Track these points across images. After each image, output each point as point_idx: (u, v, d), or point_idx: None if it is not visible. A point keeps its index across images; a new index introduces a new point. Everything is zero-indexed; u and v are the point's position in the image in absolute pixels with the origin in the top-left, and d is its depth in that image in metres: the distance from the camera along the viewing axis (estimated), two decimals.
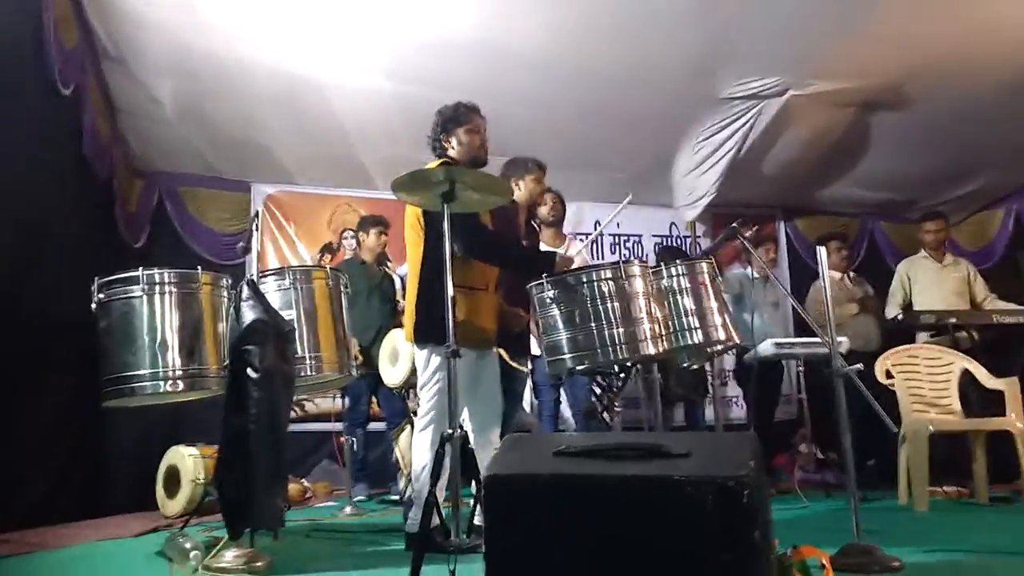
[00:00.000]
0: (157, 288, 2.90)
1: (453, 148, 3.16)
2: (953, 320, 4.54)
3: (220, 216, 5.97)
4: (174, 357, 2.87)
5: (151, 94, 4.85)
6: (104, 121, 4.77)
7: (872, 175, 6.33)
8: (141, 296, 2.88)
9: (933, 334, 4.68)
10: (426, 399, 3.00)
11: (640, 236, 6.80)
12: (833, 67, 4.74)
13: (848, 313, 5.31)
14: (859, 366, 2.79)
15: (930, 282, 5.12)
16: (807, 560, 2.00)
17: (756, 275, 5.44)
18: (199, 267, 3.05)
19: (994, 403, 4.07)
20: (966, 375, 4.24)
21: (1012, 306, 4.78)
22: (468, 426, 3.14)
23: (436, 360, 2.97)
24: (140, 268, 2.92)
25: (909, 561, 2.48)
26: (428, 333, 2.97)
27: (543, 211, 4.56)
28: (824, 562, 2.01)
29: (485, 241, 3.03)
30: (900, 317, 4.68)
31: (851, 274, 5.67)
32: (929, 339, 4.69)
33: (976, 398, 4.28)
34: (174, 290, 2.92)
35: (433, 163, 3.03)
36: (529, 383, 4.38)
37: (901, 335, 5.02)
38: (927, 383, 4.31)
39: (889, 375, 4.28)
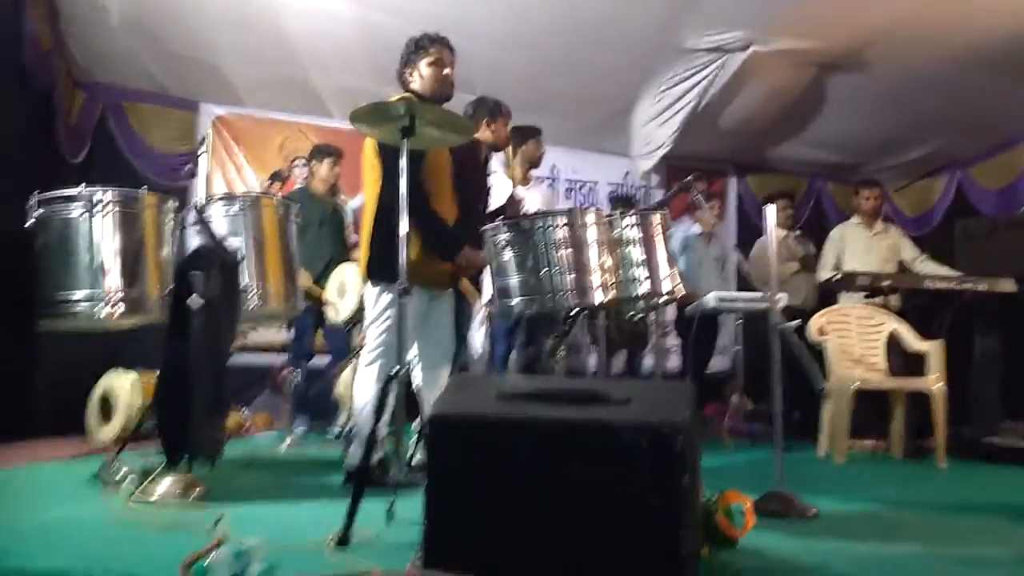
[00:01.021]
0: (99, 207, 2.81)
1: (415, 81, 3.09)
2: (886, 283, 4.71)
3: (165, 135, 5.75)
4: (113, 280, 2.80)
5: (95, 1, 4.58)
6: (45, 26, 4.50)
7: (824, 136, 6.42)
8: (82, 214, 2.78)
9: (866, 295, 4.86)
10: (373, 336, 3.01)
11: (595, 183, 6.81)
12: (797, 26, 4.76)
13: (789, 271, 5.47)
14: (796, 322, 2.90)
15: (861, 249, 5.30)
16: (731, 505, 2.10)
17: (701, 230, 5.55)
18: (143, 187, 2.95)
19: (918, 364, 4.28)
20: (893, 336, 4.44)
21: (944, 269, 4.97)
22: (417, 364, 3.17)
23: (386, 297, 2.96)
24: (81, 184, 2.81)
25: (825, 510, 2.63)
26: (380, 270, 2.95)
27: (533, 151, 4.54)
28: (746, 507, 2.12)
29: (441, 233, 3.03)
30: (837, 277, 4.83)
31: (796, 233, 5.82)
32: (863, 300, 4.86)
33: (901, 358, 4.49)
34: (116, 210, 2.84)
35: (395, 96, 2.97)
36: (485, 329, 4.43)
37: (833, 295, 5.21)
38: (857, 342, 4.50)
39: (822, 332, 4.45)
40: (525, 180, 4.50)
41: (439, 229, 3.02)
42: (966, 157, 6.50)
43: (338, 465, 3.18)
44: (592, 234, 2.83)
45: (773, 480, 2.66)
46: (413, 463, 3.08)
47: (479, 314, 4.21)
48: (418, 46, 3.09)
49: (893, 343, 4.46)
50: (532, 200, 4.52)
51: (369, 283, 3.06)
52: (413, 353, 3.15)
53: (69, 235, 2.79)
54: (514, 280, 2.79)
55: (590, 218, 2.87)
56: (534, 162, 4.55)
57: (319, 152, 5.10)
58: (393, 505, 2.21)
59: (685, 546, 1.60)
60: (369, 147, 3.02)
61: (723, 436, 4.74)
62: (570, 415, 1.76)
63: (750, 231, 6.74)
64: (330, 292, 4.47)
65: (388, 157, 2.83)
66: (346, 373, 4.57)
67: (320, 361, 5.09)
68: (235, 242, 2.99)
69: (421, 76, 3.08)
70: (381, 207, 2.98)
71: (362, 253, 3.10)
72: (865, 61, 5.14)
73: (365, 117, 2.48)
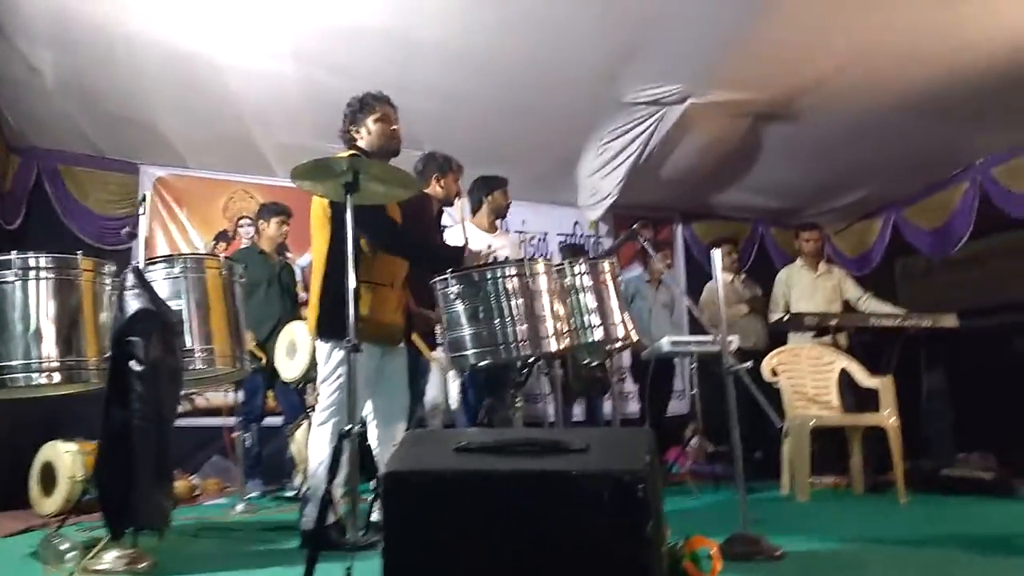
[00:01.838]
0: (32, 273, 2.71)
1: (362, 138, 3.11)
2: (834, 322, 4.82)
3: (104, 198, 5.63)
4: (49, 347, 2.69)
5: (29, 64, 4.50)
6: None
7: (763, 183, 6.61)
8: (14, 281, 2.68)
9: (815, 335, 4.96)
10: (326, 394, 2.94)
11: (545, 233, 6.87)
12: (731, 78, 4.92)
13: (738, 313, 5.56)
14: (748, 364, 2.92)
15: (806, 289, 5.45)
16: (697, 550, 2.07)
17: (648, 278, 5.64)
18: (79, 252, 2.86)
19: (870, 400, 4.35)
20: (844, 374, 4.52)
21: (888, 307, 5.11)
22: (371, 421, 3.09)
23: (338, 355, 2.91)
24: (13, 252, 2.71)
25: (792, 550, 2.62)
26: (330, 327, 2.90)
27: (501, 201, 4.54)
28: (712, 552, 2.09)
29: (393, 234, 3.00)
30: (786, 318, 4.93)
31: (742, 276, 5.94)
32: (812, 339, 4.95)
33: (853, 396, 4.57)
34: (51, 276, 2.73)
35: (341, 153, 2.96)
36: (458, 383, 4.39)
37: (784, 335, 5.30)
38: (809, 380, 4.57)
39: (774, 373, 4.50)
40: (492, 228, 4.51)
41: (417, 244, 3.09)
42: (900, 198, 6.75)
43: (294, 528, 3.06)
44: (543, 283, 2.83)
45: (738, 522, 2.64)
46: (371, 521, 2.98)
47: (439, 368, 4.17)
48: (363, 104, 3.12)
49: (844, 381, 4.54)
50: (502, 249, 4.53)
51: (319, 340, 3.00)
52: (368, 410, 3.09)
53: (2, 302, 2.67)
54: (467, 332, 2.77)
55: (540, 267, 2.87)
56: (500, 212, 4.55)
57: (267, 211, 5.05)
58: (351, 569, 2.12)
59: None
60: (318, 204, 3.01)
61: (686, 479, 4.72)
62: (529, 466, 1.72)
63: (698, 276, 6.86)
64: (279, 351, 4.37)
65: (338, 213, 2.80)
66: (300, 432, 4.46)
67: (273, 421, 4.95)
68: (176, 304, 2.90)
69: (369, 132, 3.09)
70: (331, 263, 2.94)
71: (311, 310, 3.05)
72: (798, 110, 5.34)
73: (307, 174, 2.46)
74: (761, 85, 5.04)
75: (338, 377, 2.89)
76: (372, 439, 3.11)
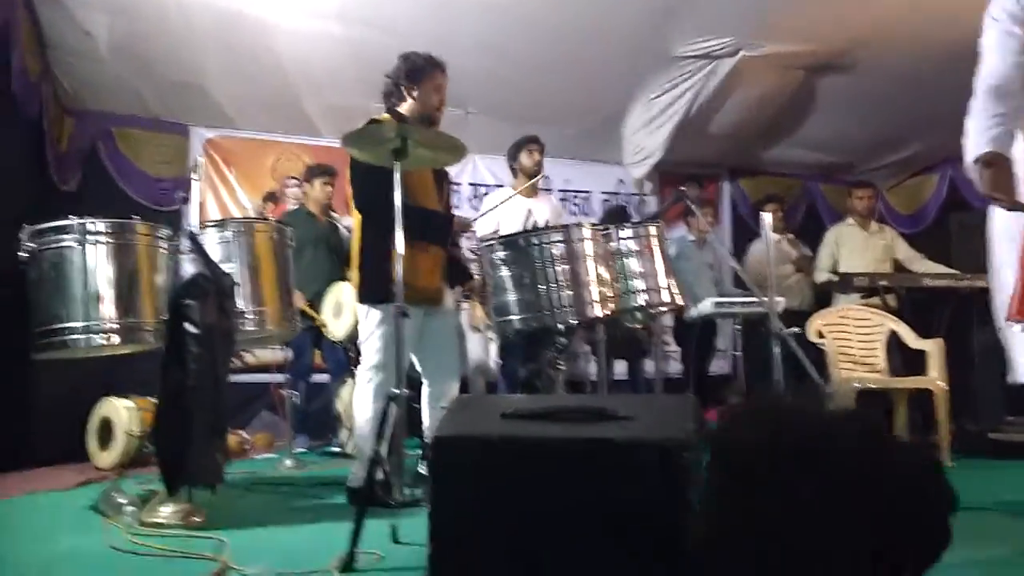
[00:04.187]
0: (91, 238, 2.79)
1: (409, 100, 3.08)
2: (884, 283, 4.71)
3: (156, 159, 5.74)
4: (108, 310, 2.78)
5: (84, 29, 4.57)
6: (33, 57, 4.50)
7: (815, 138, 6.44)
8: (74, 246, 2.77)
9: (863, 296, 4.85)
10: (369, 352, 2.99)
11: (589, 193, 6.80)
12: (784, 30, 4.77)
13: (784, 274, 5.46)
14: (795, 329, 2.88)
15: (857, 248, 5.30)
16: None
17: (693, 237, 5.56)
18: (135, 215, 2.94)
19: (917, 362, 4.27)
20: (893, 336, 4.43)
21: (940, 268, 4.98)
22: (422, 381, 3.15)
23: (375, 315, 2.95)
24: (73, 217, 2.80)
25: None
26: (370, 289, 2.95)
27: (526, 162, 4.44)
28: None
29: (368, 196, 2.89)
30: (835, 279, 4.83)
31: (789, 236, 5.82)
32: (860, 300, 4.86)
33: (900, 358, 4.48)
34: (110, 240, 2.82)
35: (383, 116, 2.96)
36: (496, 344, 4.40)
37: (828, 296, 5.20)
38: (856, 343, 4.49)
39: (820, 335, 4.44)
40: (532, 192, 4.46)
41: (424, 216, 2.96)
42: (958, 153, 6.42)
43: (340, 483, 3.16)
44: (588, 248, 2.82)
45: None
46: (418, 473, 3.05)
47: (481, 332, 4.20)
48: (424, 66, 3.06)
49: (892, 343, 4.45)
50: (541, 213, 4.49)
51: (358, 302, 3.05)
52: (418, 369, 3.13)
53: (63, 266, 2.77)
54: (512, 297, 2.78)
55: (585, 232, 2.86)
56: (530, 173, 4.44)
57: (313, 172, 5.10)
58: (397, 528, 2.20)
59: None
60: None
61: None
62: (575, 433, 1.74)
63: (744, 234, 6.74)
64: (326, 310, 4.46)
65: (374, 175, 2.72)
66: (345, 390, 4.56)
67: (320, 378, 5.08)
68: (229, 268, 2.97)
69: (419, 98, 3.06)
70: (368, 227, 2.97)
71: (353, 272, 3.08)
72: (852, 62, 5.16)
73: (356, 141, 2.47)
74: (815, 36, 4.88)
75: (381, 337, 2.93)
76: (422, 398, 3.18)
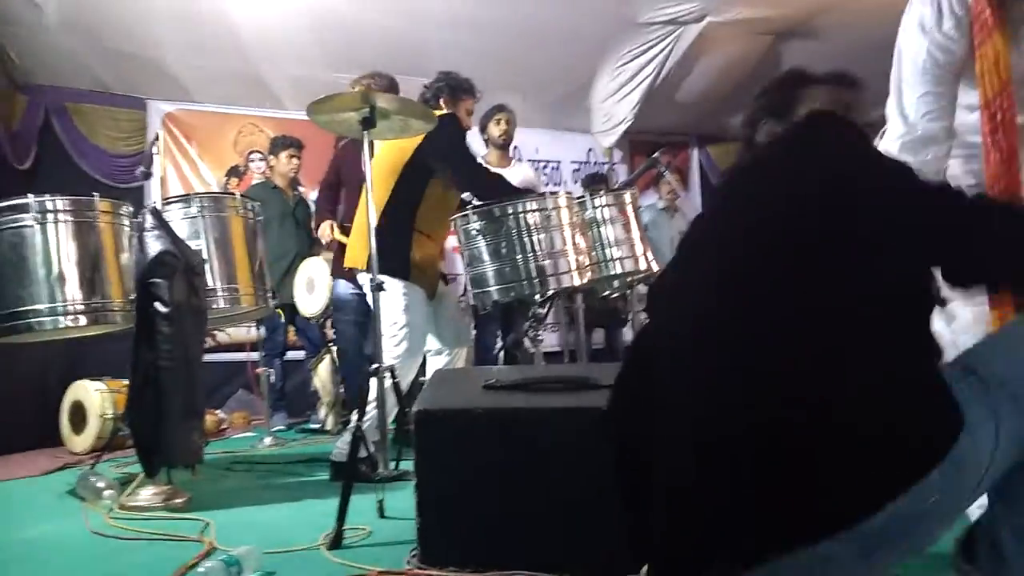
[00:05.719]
0: (51, 216, 2.70)
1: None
2: None
3: (113, 135, 5.56)
4: (73, 290, 2.70)
5: (31, 0, 4.40)
6: None
7: None
8: (33, 225, 2.67)
9: None
10: (392, 342, 2.80)
11: (559, 162, 6.77)
12: None
13: None
14: None
15: None
16: None
17: (663, 206, 5.57)
18: (94, 193, 2.84)
19: None
20: None
21: None
22: (432, 356, 3.10)
23: (400, 302, 2.80)
24: (30, 194, 2.70)
25: None
26: (391, 266, 2.73)
27: (494, 132, 4.42)
28: None
29: (490, 183, 3.03)
30: None
31: None
32: None
33: None
34: (70, 219, 2.73)
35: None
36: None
37: None
38: None
39: None
40: (503, 162, 4.43)
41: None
42: None
43: (321, 461, 3.13)
44: (564, 217, 2.80)
45: None
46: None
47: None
48: (468, 87, 3.14)
49: None
50: (513, 180, 4.43)
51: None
52: (429, 346, 3.06)
53: (21, 247, 2.68)
54: (489, 268, 2.76)
55: (561, 201, 2.83)
56: (498, 143, 4.43)
57: (277, 145, 4.98)
58: (382, 501, 2.20)
59: None
60: (395, 148, 2.88)
61: None
62: (556, 403, 1.74)
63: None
64: (298, 286, 4.40)
65: (421, 161, 2.84)
66: (322, 366, 4.53)
67: (296, 355, 5.03)
68: (196, 244, 2.90)
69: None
70: (394, 206, 2.86)
71: (360, 245, 2.90)
72: (819, 28, 5.18)
73: (323, 109, 2.41)
74: (781, 2, 4.88)
75: (403, 326, 2.80)
76: (429, 371, 3.14)
